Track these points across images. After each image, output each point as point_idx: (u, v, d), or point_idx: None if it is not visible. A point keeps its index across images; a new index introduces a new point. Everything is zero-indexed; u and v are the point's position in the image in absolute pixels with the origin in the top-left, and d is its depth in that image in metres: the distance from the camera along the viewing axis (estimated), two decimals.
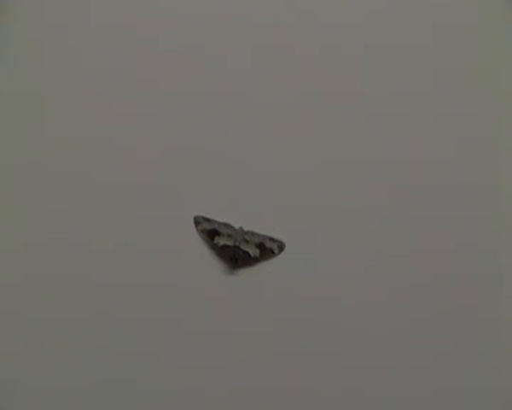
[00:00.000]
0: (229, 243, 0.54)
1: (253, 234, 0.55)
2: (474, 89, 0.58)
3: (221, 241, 0.54)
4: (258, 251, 0.54)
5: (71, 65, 0.58)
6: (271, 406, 0.51)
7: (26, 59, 0.58)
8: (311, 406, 0.51)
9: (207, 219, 0.55)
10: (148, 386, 0.51)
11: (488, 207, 0.54)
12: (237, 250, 0.54)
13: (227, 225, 0.55)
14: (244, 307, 0.53)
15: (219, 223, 0.55)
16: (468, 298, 0.52)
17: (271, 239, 0.55)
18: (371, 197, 0.55)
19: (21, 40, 0.58)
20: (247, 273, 0.54)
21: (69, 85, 0.57)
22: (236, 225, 0.55)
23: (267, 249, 0.54)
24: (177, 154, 0.57)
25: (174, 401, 0.51)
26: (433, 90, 0.58)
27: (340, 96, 0.58)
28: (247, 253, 0.54)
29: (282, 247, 0.55)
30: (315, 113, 0.58)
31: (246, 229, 0.55)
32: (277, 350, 0.52)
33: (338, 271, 0.54)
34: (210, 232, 0.54)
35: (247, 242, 0.54)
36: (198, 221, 0.55)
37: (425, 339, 0.51)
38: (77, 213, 0.55)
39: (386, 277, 0.53)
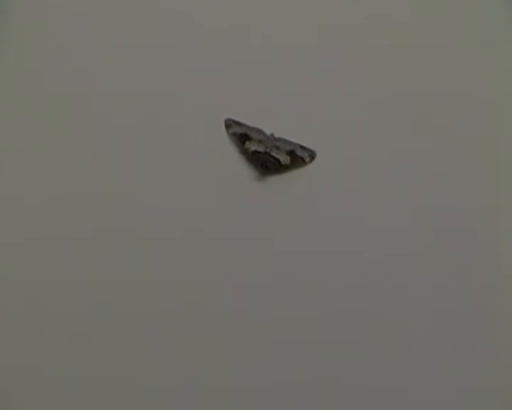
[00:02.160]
0: (260, 148, 0.53)
1: (284, 141, 0.54)
2: (474, 88, 0.56)
3: (252, 146, 0.53)
4: (288, 159, 0.53)
5: (71, 64, 0.56)
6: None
7: (26, 59, 0.56)
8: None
9: (239, 123, 0.54)
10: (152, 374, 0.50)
11: (488, 204, 0.53)
12: (268, 157, 0.53)
13: (258, 131, 0.54)
14: (273, 216, 0.52)
15: (251, 127, 0.54)
16: (468, 297, 0.51)
17: (303, 147, 0.54)
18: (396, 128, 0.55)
19: (21, 40, 0.57)
20: (276, 180, 0.53)
21: (69, 85, 0.56)
22: (268, 131, 0.54)
23: (298, 157, 0.53)
24: (210, 57, 0.56)
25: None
26: (433, 90, 0.56)
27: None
28: (278, 160, 0.53)
29: (313, 156, 0.54)
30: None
31: (277, 135, 0.54)
32: (303, 257, 0.51)
33: (369, 181, 0.53)
34: (241, 136, 0.53)
35: (277, 148, 0.53)
36: (229, 124, 0.54)
37: (425, 339, 0.51)
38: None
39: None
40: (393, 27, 0.58)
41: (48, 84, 0.56)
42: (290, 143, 0.54)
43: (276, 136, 0.54)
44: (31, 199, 0.52)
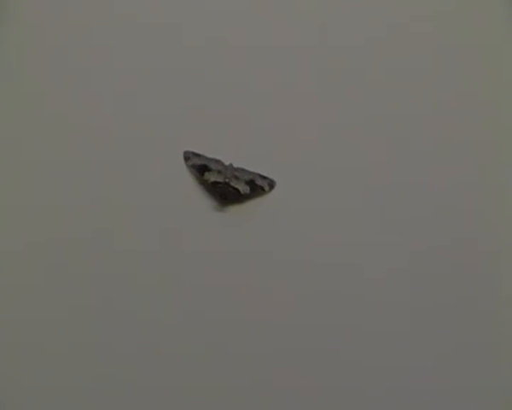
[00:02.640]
0: (220, 179, 0.53)
1: (243, 171, 0.54)
2: (474, 88, 0.57)
3: (211, 177, 0.53)
4: (248, 188, 0.53)
5: (71, 64, 0.57)
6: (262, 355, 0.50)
7: (25, 58, 0.57)
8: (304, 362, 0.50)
9: (197, 155, 0.54)
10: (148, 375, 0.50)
11: (488, 206, 0.54)
12: (227, 187, 0.53)
13: (217, 161, 0.54)
14: (233, 245, 0.52)
15: (209, 159, 0.54)
16: (468, 297, 0.52)
17: (262, 177, 0.54)
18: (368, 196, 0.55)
19: (21, 40, 0.57)
20: (236, 210, 0.53)
21: (69, 85, 0.56)
22: (227, 162, 0.54)
23: (257, 187, 0.54)
24: (168, 89, 0.56)
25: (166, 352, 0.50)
26: (433, 90, 0.57)
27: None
28: (237, 190, 0.53)
29: (272, 185, 0.54)
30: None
31: (236, 166, 0.54)
32: (264, 290, 0.51)
33: (328, 208, 0.53)
34: (200, 168, 0.54)
35: (237, 178, 0.54)
36: (188, 156, 0.54)
37: (424, 338, 0.51)
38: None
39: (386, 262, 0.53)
40: (389, 28, 0.59)
41: (47, 83, 0.56)
42: (249, 172, 0.54)
43: (235, 166, 0.54)
44: (24, 203, 0.53)
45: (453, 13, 0.59)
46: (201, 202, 0.53)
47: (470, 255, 0.52)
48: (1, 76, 0.56)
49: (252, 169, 0.54)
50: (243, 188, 0.53)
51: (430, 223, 0.53)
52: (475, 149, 0.55)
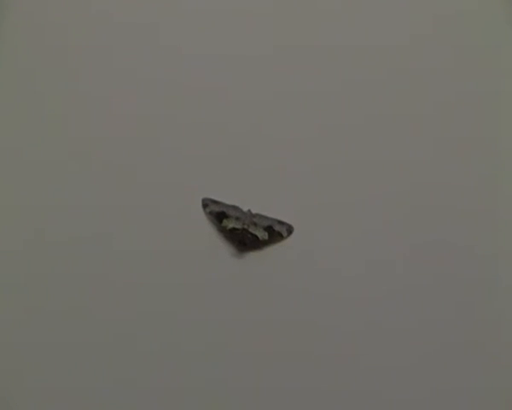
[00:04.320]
0: (238, 225, 0.53)
1: (261, 217, 0.54)
2: (474, 88, 0.57)
3: (229, 224, 0.53)
4: (266, 234, 0.53)
5: (70, 64, 0.58)
6: (276, 391, 0.50)
7: (25, 57, 0.58)
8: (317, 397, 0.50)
9: (215, 202, 0.54)
10: (151, 382, 0.50)
11: (487, 207, 0.54)
12: (246, 233, 0.53)
13: (235, 208, 0.54)
14: (252, 291, 0.52)
15: (227, 205, 0.54)
16: (468, 298, 0.51)
17: (280, 222, 0.54)
18: (374, 194, 0.55)
19: (21, 40, 0.58)
20: (255, 257, 0.53)
21: (69, 85, 0.57)
22: (245, 208, 0.54)
23: (276, 233, 0.54)
24: (186, 137, 0.56)
25: (175, 386, 0.50)
26: (433, 90, 0.57)
27: (340, 93, 0.58)
28: (256, 236, 0.53)
29: (290, 230, 0.54)
30: (324, 99, 0.58)
31: (254, 212, 0.54)
32: (284, 335, 0.51)
33: (346, 256, 0.53)
34: (218, 215, 0.54)
35: (255, 225, 0.54)
36: (206, 203, 0.54)
37: (424, 338, 0.51)
38: (80, 204, 0.54)
39: (389, 273, 0.53)
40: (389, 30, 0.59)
41: (48, 83, 0.57)
42: (267, 218, 0.54)
43: (254, 212, 0.54)
44: (24, 203, 0.53)
45: (453, 13, 0.60)
46: (220, 248, 0.53)
47: (470, 256, 0.52)
48: (1, 76, 0.57)
49: (270, 215, 0.54)
50: (262, 234, 0.53)
51: (435, 229, 0.53)
52: (475, 150, 0.55)
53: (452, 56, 0.58)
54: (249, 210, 0.54)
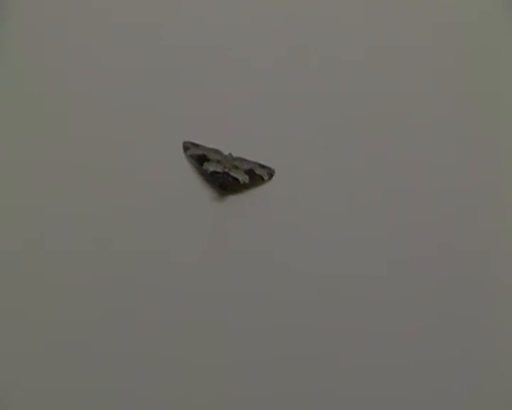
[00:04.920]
0: (219, 168, 0.53)
1: (242, 160, 0.54)
2: (474, 89, 0.57)
3: (210, 167, 0.53)
4: (247, 177, 0.53)
5: (71, 64, 0.57)
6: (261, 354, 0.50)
7: (25, 58, 0.57)
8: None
9: (196, 145, 0.54)
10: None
11: (488, 208, 0.54)
12: (226, 176, 0.53)
13: (216, 151, 0.54)
14: (233, 234, 0.52)
15: (208, 149, 0.54)
16: (468, 299, 0.51)
17: (261, 166, 0.54)
18: (370, 198, 0.55)
19: (21, 40, 0.57)
20: (236, 200, 0.53)
21: (69, 85, 0.56)
22: (226, 151, 0.54)
23: (257, 176, 0.54)
24: (167, 78, 0.56)
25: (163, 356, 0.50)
26: (433, 91, 0.57)
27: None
28: (237, 179, 0.53)
29: (271, 173, 0.54)
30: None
31: (235, 155, 0.54)
32: (265, 279, 0.51)
33: (327, 198, 0.53)
34: (199, 158, 0.54)
35: (236, 168, 0.53)
36: (187, 146, 0.54)
37: (424, 339, 0.51)
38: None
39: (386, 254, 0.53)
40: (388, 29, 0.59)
41: (47, 83, 0.56)
42: (248, 162, 0.54)
43: (234, 155, 0.54)
44: (25, 204, 0.53)
45: (453, 12, 0.59)
46: (201, 191, 0.53)
47: (470, 256, 0.52)
48: (1, 76, 0.57)
49: (251, 158, 0.54)
50: (242, 177, 0.53)
51: (430, 226, 0.53)
52: (475, 151, 0.55)
53: (453, 61, 0.58)
54: (230, 153, 0.54)
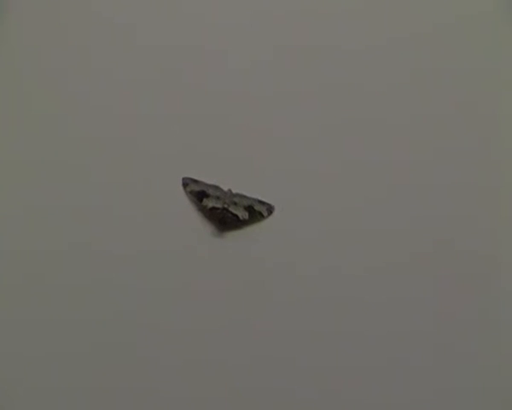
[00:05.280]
0: (218, 205, 0.53)
1: (241, 196, 0.54)
2: (474, 89, 0.58)
3: (210, 203, 0.53)
4: (247, 214, 0.53)
5: (71, 64, 0.57)
6: (261, 372, 0.50)
7: (26, 59, 0.57)
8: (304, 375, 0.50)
9: (196, 181, 0.54)
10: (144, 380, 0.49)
11: (487, 207, 0.54)
12: (226, 213, 0.53)
13: (216, 187, 0.54)
14: (232, 271, 0.52)
15: (208, 185, 0.54)
16: (468, 299, 0.52)
17: (260, 202, 0.54)
18: (368, 196, 0.55)
19: (21, 40, 0.58)
20: (235, 236, 0.53)
21: (69, 85, 0.57)
22: (225, 188, 0.54)
23: (256, 212, 0.54)
24: (167, 117, 0.56)
25: (163, 368, 0.50)
26: (433, 91, 0.57)
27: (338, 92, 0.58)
28: (236, 215, 0.53)
29: (271, 210, 0.54)
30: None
31: (235, 191, 0.54)
32: (264, 315, 0.51)
33: (327, 233, 0.53)
34: (198, 194, 0.54)
35: (235, 204, 0.54)
36: (186, 183, 0.54)
37: (424, 339, 0.51)
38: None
39: (382, 275, 0.52)
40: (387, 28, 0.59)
41: (48, 83, 0.56)
42: (248, 198, 0.54)
43: (234, 192, 0.54)
44: (25, 204, 0.53)
45: (453, 12, 0.60)
46: (200, 227, 0.53)
47: (471, 257, 0.52)
48: (1, 76, 0.57)
49: (250, 195, 0.54)
50: (242, 213, 0.53)
51: (431, 226, 0.53)
52: (475, 152, 0.55)
53: (453, 58, 0.59)
54: (230, 190, 0.54)
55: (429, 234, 0.53)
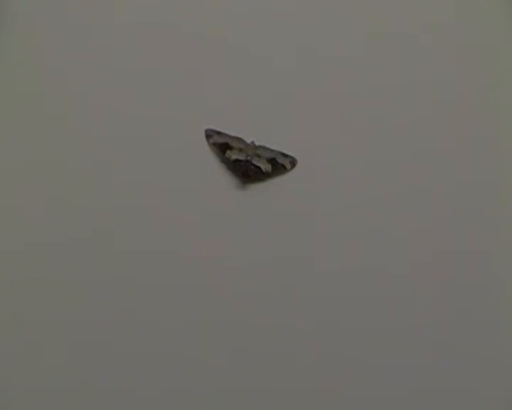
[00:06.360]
0: (241, 157, 0.53)
1: (265, 149, 0.54)
2: (474, 89, 0.57)
3: (233, 155, 0.53)
4: (270, 166, 0.53)
5: (71, 64, 0.56)
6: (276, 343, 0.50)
7: (26, 59, 0.56)
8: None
9: (219, 133, 0.54)
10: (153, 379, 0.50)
11: (488, 207, 0.54)
12: (249, 165, 0.53)
13: (239, 139, 0.54)
14: (255, 223, 0.52)
15: (231, 136, 0.54)
16: (468, 299, 0.51)
17: (283, 155, 0.54)
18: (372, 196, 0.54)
19: (21, 40, 0.57)
20: (258, 188, 0.53)
21: (69, 85, 0.56)
22: (248, 140, 0.54)
23: (279, 165, 0.53)
24: (190, 66, 0.56)
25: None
26: (433, 91, 0.56)
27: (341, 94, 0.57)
28: (259, 167, 0.53)
29: (294, 163, 0.54)
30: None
31: (258, 144, 0.54)
32: (287, 267, 0.51)
33: (349, 187, 0.53)
34: (221, 146, 0.54)
35: (258, 156, 0.53)
36: (209, 134, 0.54)
37: (424, 339, 0.51)
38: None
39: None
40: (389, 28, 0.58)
41: (48, 83, 0.56)
42: (271, 150, 0.54)
43: (257, 144, 0.54)
44: (24, 204, 0.53)
45: (453, 12, 0.59)
46: (223, 179, 0.53)
47: (471, 257, 0.52)
48: (1, 76, 0.56)
49: (273, 147, 0.54)
50: (265, 166, 0.53)
51: (432, 226, 0.53)
52: (475, 152, 0.55)
53: (453, 59, 0.58)
54: (253, 141, 0.54)
55: (429, 235, 0.53)
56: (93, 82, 0.56)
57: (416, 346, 0.50)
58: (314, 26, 0.58)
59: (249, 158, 0.53)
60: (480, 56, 0.57)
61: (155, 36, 0.57)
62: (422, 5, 0.59)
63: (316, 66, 0.56)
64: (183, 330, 0.50)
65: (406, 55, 0.57)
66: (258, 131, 0.54)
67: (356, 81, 0.56)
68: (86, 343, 0.49)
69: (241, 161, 0.53)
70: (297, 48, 0.57)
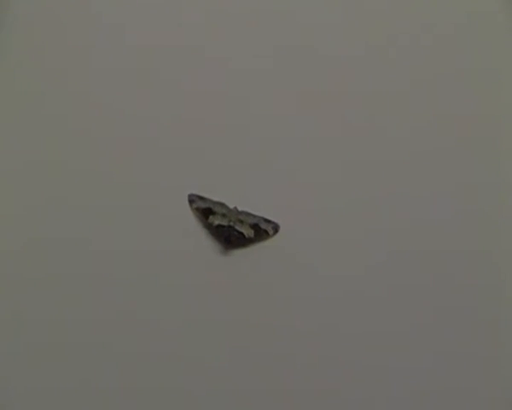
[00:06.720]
0: (224, 222, 0.53)
1: (247, 214, 0.54)
2: (474, 89, 0.57)
3: (215, 220, 0.53)
4: (252, 232, 0.53)
5: (71, 64, 0.57)
6: (266, 388, 0.50)
7: (26, 59, 0.57)
8: (308, 393, 0.50)
9: (202, 198, 0.54)
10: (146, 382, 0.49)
11: (488, 207, 0.54)
12: (232, 230, 0.53)
13: (222, 205, 0.54)
14: (238, 289, 0.52)
15: (214, 202, 0.54)
16: (468, 298, 0.52)
17: (266, 220, 0.54)
18: (370, 196, 0.55)
19: (21, 40, 0.58)
20: (240, 254, 0.53)
21: (69, 85, 0.56)
22: (231, 205, 0.54)
23: (262, 230, 0.54)
24: (172, 132, 0.56)
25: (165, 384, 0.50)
26: (433, 91, 0.57)
27: (340, 94, 0.58)
28: (242, 233, 0.53)
29: (276, 228, 0.54)
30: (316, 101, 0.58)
31: (240, 209, 0.54)
32: (269, 333, 0.51)
33: (331, 256, 0.53)
34: (204, 211, 0.54)
35: (241, 222, 0.54)
36: (192, 199, 0.54)
37: (424, 339, 0.51)
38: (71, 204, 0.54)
39: (383, 273, 0.53)
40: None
41: (48, 83, 0.56)
42: (254, 216, 0.54)
43: (240, 209, 0.54)
44: (24, 204, 0.53)
45: (453, 12, 0.60)
46: (206, 245, 0.53)
47: (471, 257, 0.52)
48: (1, 76, 0.57)
49: (256, 213, 0.54)
50: (248, 231, 0.53)
51: (432, 226, 0.53)
52: (475, 152, 0.55)
53: (453, 58, 0.58)
54: (235, 207, 0.54)
55: (428, 234, 0.53)
56: (93, 82, 0.56)
57: (415, 346, 0.50)
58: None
59: (232, 224, 0.53)
60: (480, 56, 0.58)
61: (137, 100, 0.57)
62: (422, 5, 0.59)
63: (299, 131, 0.57)
64: (183, 330, 0.50)
65: (406, 55, 0.58)
66: (241, 196, 0.54)
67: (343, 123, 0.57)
68: (86, 343, 0.49)
69: (223, 226, 0.53)
70: (280, 111, 0.57)
